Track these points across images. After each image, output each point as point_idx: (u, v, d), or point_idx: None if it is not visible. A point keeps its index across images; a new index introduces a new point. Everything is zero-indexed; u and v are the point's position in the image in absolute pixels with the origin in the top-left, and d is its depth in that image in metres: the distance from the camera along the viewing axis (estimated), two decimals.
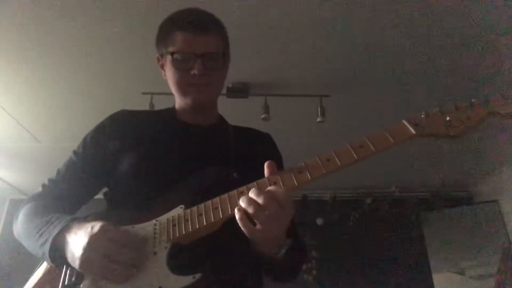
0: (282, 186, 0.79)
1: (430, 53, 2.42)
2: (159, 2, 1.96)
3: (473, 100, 0.81)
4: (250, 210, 0.74)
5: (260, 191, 0.76)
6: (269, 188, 0.77)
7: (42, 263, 0.91)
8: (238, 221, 0.76)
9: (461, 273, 3.94)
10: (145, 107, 2.46)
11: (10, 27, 2.14)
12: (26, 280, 0.91)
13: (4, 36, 2.20)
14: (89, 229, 0.79)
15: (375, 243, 4.12)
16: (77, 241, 0.79)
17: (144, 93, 2.55)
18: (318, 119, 2.67)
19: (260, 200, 0.74)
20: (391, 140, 0.80)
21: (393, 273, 3.99)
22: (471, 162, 3.77)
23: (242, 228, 0.76)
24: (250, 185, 0.81)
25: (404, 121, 0.82)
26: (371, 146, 0.79)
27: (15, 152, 3.47)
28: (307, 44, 2.35)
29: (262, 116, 2.62)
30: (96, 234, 0.77)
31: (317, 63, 2.50)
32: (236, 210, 0.77)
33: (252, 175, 0.85)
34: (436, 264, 4.04)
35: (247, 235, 0.77)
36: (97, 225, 0.79)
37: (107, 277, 0.76)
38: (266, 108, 2.64)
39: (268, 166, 0.82)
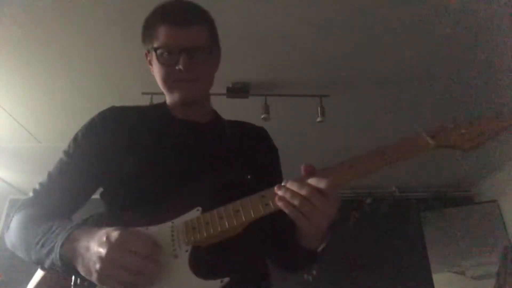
0: None
1: (431, 52, 2.42)
2: (160, 2, 1.96)
3: (486, 115, 0.86)
4: (295, 202, 0.74)
5: (302, 183, 0.76)
6: (310, 180, 0.76)
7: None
8: (284, 208, 0.76)
9: (461, 273, 3.94)
10: None
11: (10, 27, 2.14)
12: (25, 279, 0.90)
13: (5, 36, 2.20)
14: (104, 238, 0.72)
15: (375, 243, 4.12)
16: (92, 253, 0.73)
17: (144, 93, 2.55)
18: (318, 119, 2.67)
19: (303, 192, 0.74)
20: (412, 151, 0.84)
21: (393, 273, 3.99)
22: (471, 162, 3.77)
23: (290, 215, 0.76)
24: (271, 189, 0.80)
25: (422, 133, 0.85)
26: (392, 156, 0.82)
27: (15, 152, 3.47)
28: (307, 44, 2.35)
29: (262, 116, 2.62)
30: (115, 245, 0.71)
31: (317, 63, 2.50)
32: (277, 199, 0.76)
33: (260, 174, 0.83)
34: (436, 264, 4.04)
35: (296, 223, 0.77)
36: (113, 234, 0.72)
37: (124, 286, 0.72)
38: (266, 108, 2.64)
39: (305, 170, 0.80)
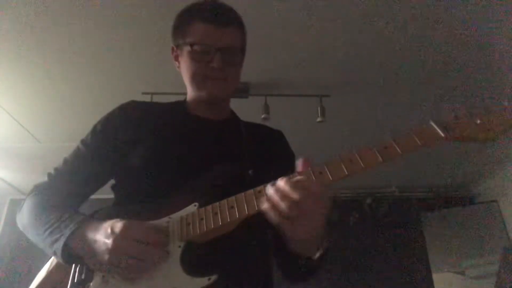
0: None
1: (431, 53, 2.42)
2: (160, 3, 1.96)
3: (506, 104, 0.77)
4: (282, 205, 0.68)
5: (292, 185, 0.69)
6: (301, 180, 0.71)
7: (49, 261, 0.90)
8: (268, 212, 0.70)
9: (461, 273, 3.94)
10: None
11: (10, 27, 2.14)
12: (26, 279, 0.90)
13: (4, 36, 2.20)
14: (109, 230, 0.76)
15: (375, 243, 4.12)
16: (99, 244, 0.77)
17: (144, 93, 2.55)
18: (318, 119, 2.66)
19: (294, 195, 0.68)
20: (418, 142, 0.75)
21: (393, 273, 3.99)
22: (471, 162, 3.77)
23: (273, 219, 0.70)
24: (268, 185, 0.76)
25: (432, 123, 0.78)
26: (397, 148, 0.75)
27: (15, 152, 3.47)
28: (307, 44, 2.35)
29: (262, 116, 2.61)
30: (119, 235, 0.75)
31: (317, 63, 2.50)
32: (265, 201, 0.71)
33: (267, 173, 0.81)
34: (436, 264, 4.04)
35: (278, 226, 0.71)
36: (118, 225, 0.77)
37: (130, 275, 0.76)
38: (266, 108, 2.64)
39: (303, 164, 0.77)
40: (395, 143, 0.76)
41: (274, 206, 0.70)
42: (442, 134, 0.76)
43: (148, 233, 0.77)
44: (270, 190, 0.71)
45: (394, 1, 2.05)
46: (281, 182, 0.71)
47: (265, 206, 0.71)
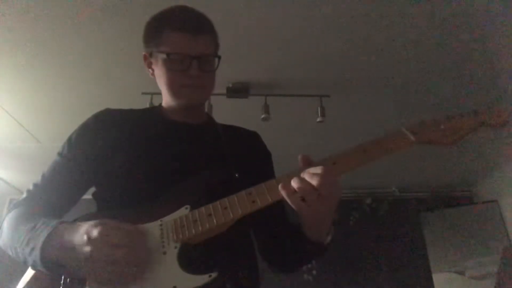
0: None
1: (431, 54, 2.42)
2: (160, 3, 1.95)
3: (463, 112, 0.88)
4: (301, 190, 0.76)
5: (313, 174, 0.77)
6: (319, 171, 0.77)
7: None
8: (286, 198, 0.77)
9: (461, 273, 3.94)
10: (145, 107, 2.46)
11: (10, 27, 2.14)
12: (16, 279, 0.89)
13: (5, 37, 2.20)
14: (85, 237, 0.73)
15: (375, 243, 4.12)
16: (75, 247, 0.74)
17: (144, 93, 2.55)
18: (318, 119, 2.67)
19: (314, 182, 0.75)
20: (392, 146, 0.85)
21: (393, 273, 3.99)
22: (471, 162, 3.77)
23: (291, 204, 0.77)
24: (258, 186, 0.83)
25: (403, 129, 0.87)
26: (374, 152, 0.84)
27: (15, 152, 3.47)
28: (307, 44, 2.35)
29: (262, 116, 2.61)
30: (97, 238, 0.72)
31: (317, 63, 2.50)
32: (280, 187, 0.78)
33: (250, 174, 0.85)
34: (436, 264, 4.04)
35: (296, 210, 0.78)
36: (94, 231, 0.73)
37: (115, 282, 0.73)
38: (266, 108, 2.64)
39: (303, 160, 0.83)
40: (371, 147, 0.85)
41: (294, 192, 0.77)
42: (413, 138, 0.85)
43: (128, 235, 0.75)
44: (294, 181, 0.77)
45: (395, 2, 2.05)
46: (303, 174, 0.79)
47: (283, 192, 0.77)
